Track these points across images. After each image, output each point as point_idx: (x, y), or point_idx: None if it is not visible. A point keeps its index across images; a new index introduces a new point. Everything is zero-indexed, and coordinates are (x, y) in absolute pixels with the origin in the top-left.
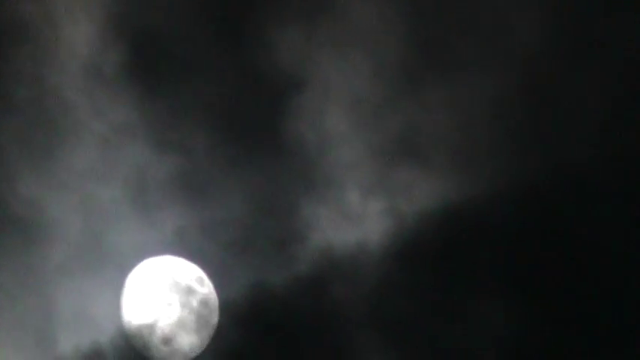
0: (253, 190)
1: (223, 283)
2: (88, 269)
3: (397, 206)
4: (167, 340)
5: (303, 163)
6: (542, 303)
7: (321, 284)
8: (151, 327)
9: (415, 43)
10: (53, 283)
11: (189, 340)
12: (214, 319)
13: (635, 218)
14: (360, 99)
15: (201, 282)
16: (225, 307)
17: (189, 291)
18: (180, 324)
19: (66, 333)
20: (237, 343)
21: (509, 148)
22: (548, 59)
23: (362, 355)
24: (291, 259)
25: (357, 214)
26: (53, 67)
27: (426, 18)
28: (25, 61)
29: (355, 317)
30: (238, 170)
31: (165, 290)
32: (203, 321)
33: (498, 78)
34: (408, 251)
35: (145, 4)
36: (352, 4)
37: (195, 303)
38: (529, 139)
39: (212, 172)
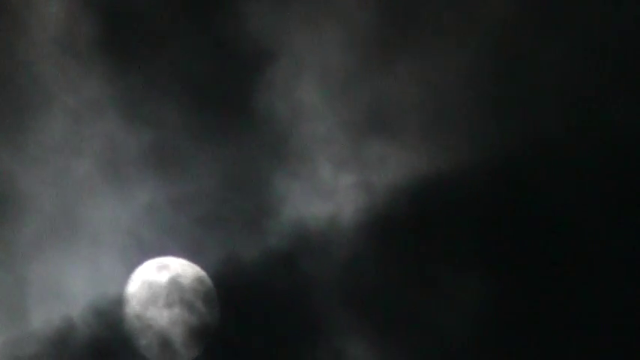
0: (225, 164)
1: (195, 259)
2: (60, 243)
3: (370, 180)
4: (139, 317)
5: (275, 136)
6: (517, 275)
7: (293, 258)
8: (123, 302)
9: (387, 15)
10: (25, 257)
11: (160, 315)
12: (186, 295)
13: (610, 190)
14: (332, 72)
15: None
16: (197, 282)
17: (162, 266)
18: (152, 300)
19: (38, 307)
20: (208, 318)
21: (483, 121)
22: (522, 31)
23: (335, 329)
24: (263, 234)
25: (329, 188)
26: (24, 41)
27: None
28: None
29: (328, 291)
30: (210, 144)
31: (137, 266)
32: (175, 297)
33: (471, 50)
34: (381, 225)
35: None
36: None
37: (165, 279)
38: (502, 112)
39: (184, 145)
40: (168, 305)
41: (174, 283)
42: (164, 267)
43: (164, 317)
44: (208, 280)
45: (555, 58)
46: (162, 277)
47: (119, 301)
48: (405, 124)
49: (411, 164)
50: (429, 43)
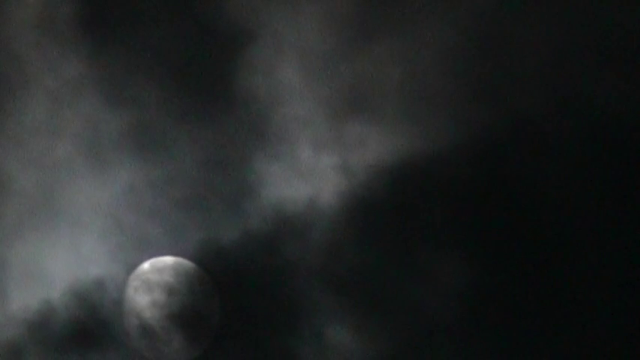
0: (204, 146)
1: (174, 242)
2: (40, 226)
3: (350, 161)
4: (119, 300)
5: (255, 117)
6: (498, 256)
7: (273, 241)
8: (103, 285)
9: None
10: (4, 239)
11: (140, 299)
12: (165, 278)
13: (591, 170)
14: (311, 52)
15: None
16: (177, 265)
17: (142, 249)
18: (132, 283)
19: (17, 290)
20: (189, 302)
21: (463, 101)
22: (502, 10)
23: (316, 312)
24: (243, 216)
25: (309, 170)
26: (3, 22)
27: None
28: None
29: (309, 273)
30: (190, 125)
31: (117, 249)
32: (155, 280)
33: (452, 30)
34: (361, 206)
35: None
36: None
37: (146, 262)
38: (483, 93)
39: (164, 127)
40: (149, 289)
41: (154, 267)
42: (145, 250)
43: (144, 301)
44: (188, 264)
45: (536, 38)
46: (143, 260)
47: (99, 285)
48: (385, 105)
49: (392, 145)
50: (409, 23)
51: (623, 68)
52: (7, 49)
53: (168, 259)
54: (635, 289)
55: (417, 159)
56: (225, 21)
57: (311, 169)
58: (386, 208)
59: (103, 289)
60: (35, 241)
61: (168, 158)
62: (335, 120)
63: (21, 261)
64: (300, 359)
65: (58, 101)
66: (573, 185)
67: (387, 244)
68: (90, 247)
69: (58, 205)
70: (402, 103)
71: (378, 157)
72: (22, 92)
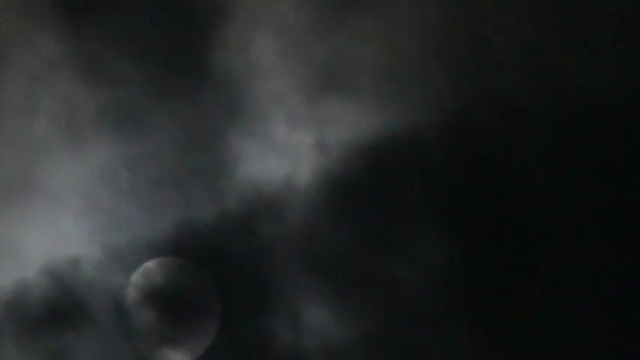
0: (180, 124)
1: (150, 221)
2: (16, 204)
3: (326, 138)
4: (94, 280)
5: (230, 95)
6: (474, 232)
7: (249, 219)
8: (78, 265)
9: None
10: None
11: (115, 278)
12: (141, 257)
13: (566, 149)
14: (287, 29)
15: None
16: (152, 245)
17: (117, 228)
18: (107, 263)
19: None
20: (165, 282)
21: (440, 79)
22: None
23: (293, 290)
24: (219, 194)
25: (284, 147)
26: None
27: None
28: None
29: (285, 252)
30: (166, 104)
31: (92, 228)
32: (130, 260)
33: (429, 8)
34: (338, 184)
35: None
36: None
37: (120, 241)
38: (460, 70)
39: (140, 106)
40: (124, 268)
41: (130, 246)
42: (120, 229)
43: (119, 280)
44: (164, 242)
45: (512, 19)
46: (118, 240)
47: (75, 264)
48: (360, 82)
49: (367, 123)
50: (386, 1)
51: (604, 51)
52: None
53: (143, 239)
54: (613, 267)
55: (393, 137)
56: None
57: (286, 146)
58: (362, 185)
59: (79, 268)
60: (11, 220)
61: (144, 137)
62: (310, 97)
63: None
64: (277, 339)
65: (36, 80)
66: (551, 164)
67: (364, 222)
68: (66, 226)
69: (34, 184)
70: (378, 81)
71: (354, 134)
72: (0, 72)
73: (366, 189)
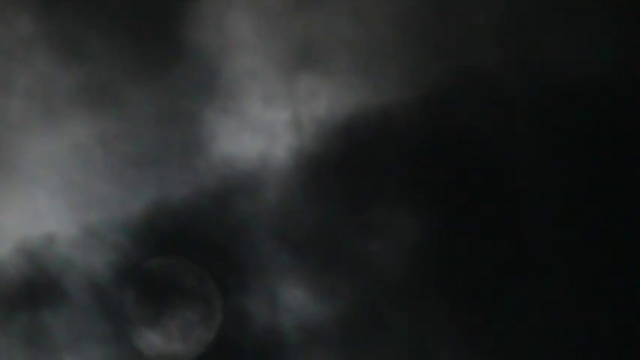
0: (155, 101)
1: (125, 199)
2: None
3: (301, 115)
4: (69, 258)
5: (205, 71)
6: (451, 210)
7: (224, 197)
8: (53, 243)
9: None
10: None
11: (89, 257)
12: (114, 237)
13: (542, 126)
14: (262, 4)
15: (104, 199)
16: (127, 223)
17: (92, 206)
18: (80, 243)
19: None
20: (140, 262)
21: (416, 55)
22: None
23: (269, 270)
24: (194, 172)
25: (259, 124)
26: None
27: None
28: None
29: (261, 231)
30: (141, 81)
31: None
32: (105, 238)
33: None
34: (313, 161)
35: None
36: None
37: (95, 219)
38: (436, 46)
39: (115, 83)
40: (99, 246)
41: (105, 224)
42: (95, 206)
43: (93, 259)
44: (139, 221)
45: None
46: (92, 218)
47: (49, 242)
48: (336, 58)
49: (343, 99)
50: None
51: (583, 25)
52: None
53: (118, 217)
54: (587, 242)
55: (369, 113)
56: None
57: (262, 123)
58: (337, 163)
59: (54, 246)
60: None
61: (119, 115)
62: (286, 74)
63: None
64: (253, 319)
65: (10, 57)
66: (529, 140)
67: (339, 200)
68: (41, 203)
69: (8, 162)
70: (354, 57)
71: (330, 111)
72: None
73: (341, 166)
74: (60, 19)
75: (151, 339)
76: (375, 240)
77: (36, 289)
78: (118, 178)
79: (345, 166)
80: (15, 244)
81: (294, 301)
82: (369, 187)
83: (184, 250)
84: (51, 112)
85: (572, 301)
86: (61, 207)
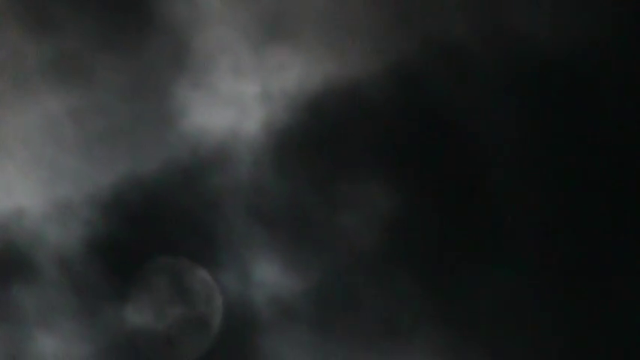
0: (125, 75)
1: (94, 173)
2: None
3: (271, 88)
4: (37, 232)
5: (175, 44)
6: (422, 183)
7: (195, 171)
8: (21, 218)
9: None
10: None
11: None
12: (84, 211)
13: (512, 96)
14: None
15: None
16: (97, 197)
17: (60, 180)
18: (50, 218)
19: None
20: (109, 238)
21: (387, 27)
22: None
23: (240, 243)
24: (164, 146)
25: (230, 98)
26: None
27: None
28: None
29: (233, 204)
30: (111, 54)
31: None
32: (73, 213)
33: None
34: (284, 135)
35: None
36: None
37: (64, 193)
38: (407, 19)
39: (84, 56)
40: (67, 221)
41: (74, 198)
42: (64, 181)
43: (63, 233)
44: (109, 195)
45: None
46: (62, 192)
47: (18, 216)
48: (306, 31)
49: (312, 73)
50: None
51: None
52: None
53: (87, 191)
54: (561, 213)
55: (339, 86)
56: None
57: (232, 96)
58: (308, 136)
59: (23, 220)
60: None
61: (89, 88)
62: (256, 47)
63: None
64: (226, 295)
65: None
66: (498, 111)
67: (311, 173)
68: (10, 177)
69: None
70: (323, 30)
71: (299, 84)
72: None
73: (312, 139)
74: None
75: (123, 314)
76: (347, 213)
77: (5, 263)
78: (88, 151)
79: (316, 139)
80: None
81: (266, 274)
82: (341, 160)
83: (155, 224)
84: (20, 85)
85: (546, 272)
86: (30, 181)
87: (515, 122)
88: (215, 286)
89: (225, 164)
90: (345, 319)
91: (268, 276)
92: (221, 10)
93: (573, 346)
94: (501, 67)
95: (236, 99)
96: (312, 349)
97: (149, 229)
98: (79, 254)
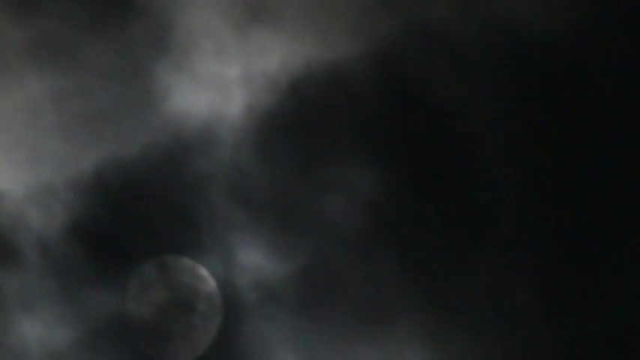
0: (106, 57)
1: (75, 157)
2: None
3: (252, 71)
4: (15, 215)
5: (156, 26)
6: (405, 166)
7: (177, 154)
8: (0, 200)
9: None
10: None
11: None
12: (65, 194)
13: (497, 80)
14: None
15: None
16: (78, 181)
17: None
18: (30, 201)
19: None
20: (91, 222)
21: (370, 9)
22: None
23: (225, 228)
24: (146, 129)
25: (211, 80)
26: None
27: None
28: None
29: (216, 187)
30: (92, 36)
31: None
32: (53, 195)
33: None
34: (266, 117)
35: None
36: None
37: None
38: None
39: (66, 38)
40: (49, 204)
41: (55, 181)
42: (45, 164)
43: (44, 216)
44: (91, 178)
45: None
46: (43, 175)
47: None
48: (288, 13)
49: (294, 54)
50: None
51: None
52: None
53: (67, 174)
54: (547, 199)
55: (321, 68)
56: None
57: (214, 79)
58: (291, 118)
59: (4, 204)
60: None
61: (69, 70)
62: (238, 28)
63: None
64: (209, 277)
65: None
66: (483, 94)
67: (294, 156)
68: None
69: None
70: (305, 11)
71: (281, 66)
72: None
73: (295, 121)
74: None
75: (105, 297)
76: (331, 196)
77: None
78: (70, 134)
79: (299, 122)
80: None
81: (250, 258)
82: (324, 143)
83: (137, 208)
84: (1, 67)
85: (532, 260)
86: (11, 164)
87: (500, 105)
88: (200, 270)
89: (207, 147)
90: (329, 303)
91: (252, 260)
92: None
93: (559, 330)
94: (485, 50)
95: (218, 81)
96: (296, 332)
97: (131, 213)
98: (60, 238)
